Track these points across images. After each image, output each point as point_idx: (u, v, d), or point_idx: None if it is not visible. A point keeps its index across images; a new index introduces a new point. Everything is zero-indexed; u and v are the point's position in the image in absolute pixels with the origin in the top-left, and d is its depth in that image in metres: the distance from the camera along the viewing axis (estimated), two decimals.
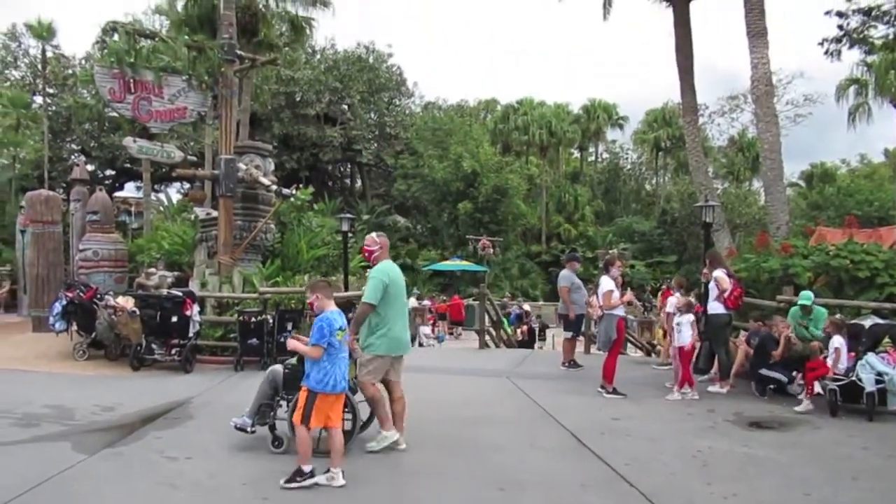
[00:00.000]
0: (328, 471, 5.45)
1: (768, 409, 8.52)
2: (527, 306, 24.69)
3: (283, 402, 6.39)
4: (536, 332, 23.03)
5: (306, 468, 5.39)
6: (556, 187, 50.17)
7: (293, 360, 6.36)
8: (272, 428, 6.38)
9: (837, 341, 8.45)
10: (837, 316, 9.13)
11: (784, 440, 7.12)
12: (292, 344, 5.68)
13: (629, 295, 10.59)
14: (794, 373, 9.16)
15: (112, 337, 11.18)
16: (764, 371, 9.24)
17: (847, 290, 10.58)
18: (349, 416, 6.24)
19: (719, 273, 9.84)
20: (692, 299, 10.01)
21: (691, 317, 9.26)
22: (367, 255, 6.82)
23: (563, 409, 8.41)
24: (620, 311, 9.44)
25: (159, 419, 7.58)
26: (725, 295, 9.70)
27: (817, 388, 8.60)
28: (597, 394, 9.34)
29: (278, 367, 6.54)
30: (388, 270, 6.43)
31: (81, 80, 31.67)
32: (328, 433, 5.60)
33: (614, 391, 9.24)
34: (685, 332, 9.15)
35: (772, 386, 9.23)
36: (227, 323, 11.98)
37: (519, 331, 21.29)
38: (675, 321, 9.43)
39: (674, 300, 10.53)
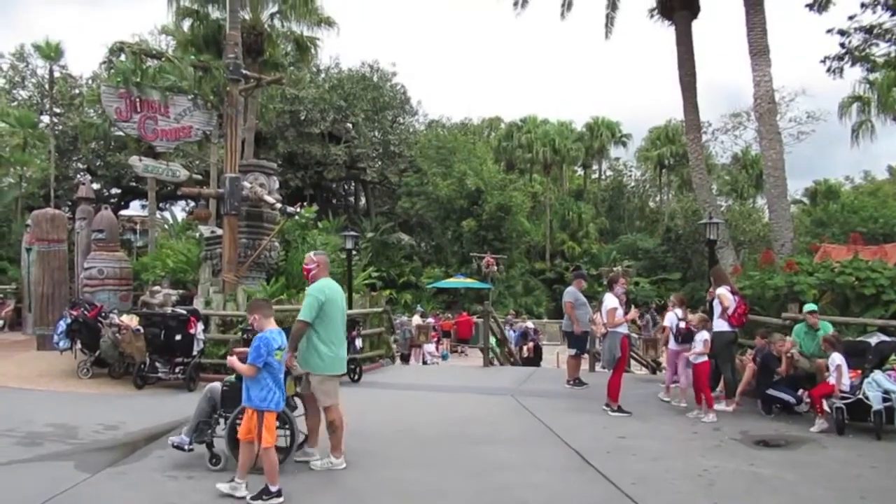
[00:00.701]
0: (236, 482, 5.53)
1: (775, 427, 8.45)
2: (530, 323, 24.57)
3: (221, 420, 6.35)
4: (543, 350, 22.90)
5: (273, 487, 5.43)
6: (560, 205, 50.23)
7: (231, 378, 6.36)
8: (210, 445, 6.32)
9: (837, 358, 8.37)
10: (831, 332, 9.07)
11: (791, 459, 7.05)
12: (231, 360, 5.74)
13: (633, 312, 10.57)
14: (801, 392, 9.09)
15: (116, 355, 11.17)
16: (771, 391, 9.17)
17: (853, 307, 10.51)
18: (286, 432, 6.22)
19: (722, 290, 9.80)
20: (705, 315, 9.92)
21: (706, 334, 9.17)
22: (305, 273, 6.82)
23: (567, 427, 8.36)
24: (624, 329, 9.40)
25: (163, 438, 7.53)
26: (729, 312, 9.65)
27: (825, 406, 8.55)
28: (602, 412, 9.28)
29: (216, 385, 6.50)
30: (324, 288, 6.41)
31: (88, 100, 31.96)
32: (242, 447, 5.63)
33: (619, 409, 9.19)
34: (699, 350, 9.08)
35: (778, 405, 9.17)
36: (230, 341, 11.96)
37: (525, 348, 21.13)
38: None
39: (673, 316, 10.43)
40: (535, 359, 20.75)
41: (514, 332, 22.23)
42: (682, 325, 10.00)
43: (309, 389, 6.49)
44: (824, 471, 6.60)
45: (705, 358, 9.08)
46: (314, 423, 6.66)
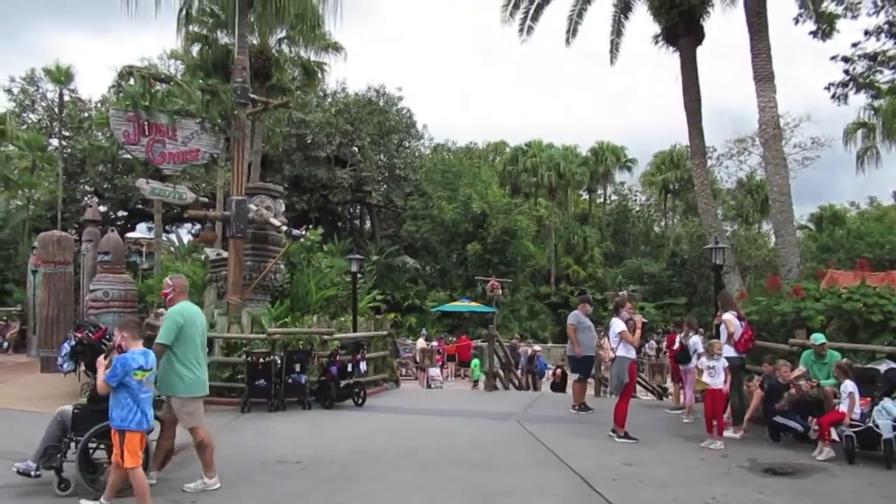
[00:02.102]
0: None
1: (783, 455, 8.35)
2: (537, 347, 24.37)
3: (72, 444, 6.25)
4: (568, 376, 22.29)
5: None
6: (565, 229, 50.25)
7: (83, 400, 6.32)
8: (58, 471, 6.18)
9: (850, 386, 8.27)
10: (843, 360, 8.98)
11: (801, 488, 6.95)
12: (99, 375, 5.81)
13: (638, 318, 10.39)
14: (810, 419, 8.99)
15: None
16: (779, 419, 9.07)
17: (861, 333, 10.43)
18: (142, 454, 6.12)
19: (728, 316, 9.76)
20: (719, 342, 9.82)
21: (725, 361, 9.08)
22: (163, 297, 6.85)
23: (573, 453, 8.28)
24: (632, 355, 9.33)
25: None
26: (735, 338, 9.60)
27: (833, 434, 8.47)
28: (608, 437, 9.19)
29: (67, 408, 6.42)
30: (182, 311, 6.42)
31: (97, 123, 32.24)
32: (111, 469, 5.64)
33: (626, 435, 9.09)
34: (720, 376, 8.99)
35: (786, 432, 9.06)
36: (234, 364, 11.93)
37: (552, 373, 20.49)
38: (707, 363, 9.22)
39: (696, 340, 10.40)
40: (561, 384, 19.99)
41: (521, 355, 21.94)
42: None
43: (170, 413, 6.48)
44: (835, 501, 6.51)
45: (721, 385, 8.95)
46: (164, 447, 6.61)
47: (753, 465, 7.79)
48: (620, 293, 31.22)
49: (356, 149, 39.83)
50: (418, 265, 39.95)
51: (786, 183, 14.50)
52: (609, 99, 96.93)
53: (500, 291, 33.40)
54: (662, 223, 60.04)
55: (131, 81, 13.09)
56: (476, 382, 21.45)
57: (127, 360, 5.53)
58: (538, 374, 21.20)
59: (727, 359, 9.47)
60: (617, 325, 9.37)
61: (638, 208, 60.44)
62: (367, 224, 47.38)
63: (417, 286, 38.85)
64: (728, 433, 9.29)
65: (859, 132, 29.51)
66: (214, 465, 6.47)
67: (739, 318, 9.78)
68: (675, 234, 52.13)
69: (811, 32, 17.25)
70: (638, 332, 9.56)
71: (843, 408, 8.23)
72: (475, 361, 22.38)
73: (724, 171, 46.01)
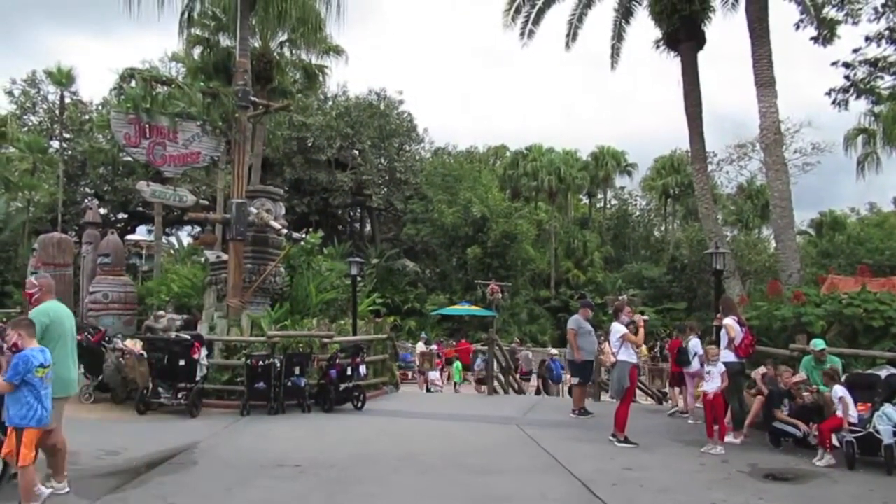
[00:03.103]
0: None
1: (783, 460, 8.33)
2: (554, 351, 24.00)
3: None
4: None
5: None
6: (565, 233, 50.22)
7: None
8: None
9: (840, 391, 8.29)
10: (828, 366, 8.99)
11: (801, 493, 6.94)
12: None
13: (639, 319, 10.38)
14: (810, 425, 8.97)
15: (119, 380, 11.09)
16: (778, 424, 9.06)
17: (861, 339, 10.43)
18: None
19: (729, 321, 9.74)
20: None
21: (722, 366, 9.06)
22: (28, 297, 6.73)
23: (573, 457, 8.26)
24: (633, 359, 9.31)
25: (164, 464, 7.48)
26: (736, 343, 9.58)
27: (833, 440, 8.47)
28: (608, 442, 9.18)
29: None
30: (48, 311, 6.29)
31: (98, 126, 32.29)
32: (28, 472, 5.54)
33: (626, 440, 9.08)
34: (715, 380, 8.99)
35: (786, 438, 9.05)
36: (234, 366, 11.91)
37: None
38: (706, 368, 9.24)
39: (695, 342, 10.41)
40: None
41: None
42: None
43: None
44: None
45: (715, 389, 8.95)
46: (51, 451, 6.26)
47: (754, 470, 7.78)
48: (620, 297, 31.22)
49: (357, 152, 39.88)
50: (418, 269, 39.96)
51: (787, 188, 14.51)
52: (610, 103, 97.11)
53: (500, 295, 33.42)
54: (662, 228, 59.99)
55: (133, 84, 13.07)
56: (457, 385, 21.34)
57: (28, 357, 5.47)
58: (553, 380, 19.96)
59: (726, 364, 9.46)
60: (617, 329, 9.35)
61: (638, 213, 60.37)
62: (367, 227, 47.40)
63: (417, 290, 38.85)
64: (728, 438, 9.27)
65: (860, 138, 29.59)
66: (65, 470, 6.27)
67: (740, 323, 9.76)
68: (675, 239, 52.07)
69: (812, 38, 17.28)
70: (641, 331, 9.56)
71: (840, 413, 8.23)
72: (456, 364, 22.30)
73: (724, 176, 46.13)
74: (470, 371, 22.67)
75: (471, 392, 19.75)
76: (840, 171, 66.05)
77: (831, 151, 38.32)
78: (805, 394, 9.14)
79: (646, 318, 10.93)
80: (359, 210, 47.03)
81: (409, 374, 22.63)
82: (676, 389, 12.56)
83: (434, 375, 21.80)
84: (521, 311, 40.52)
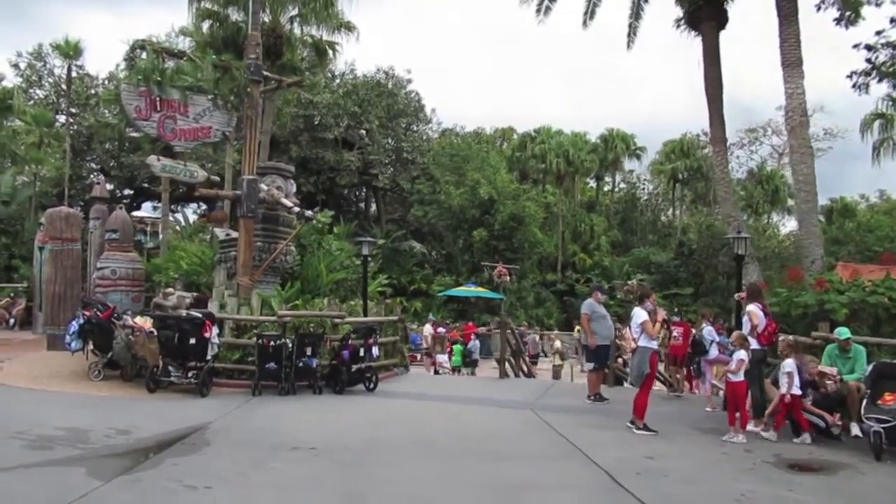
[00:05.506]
0: None
1: (808, 450, 8.15)
2: (564, 336, 23.88)
3: None
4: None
5: None
6: (573, 216, 49.92)
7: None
8: None
9: (789, 365, 8.42)
10: (790, 337, 8.85)
11: (828, 484, 6.78)
12: None
13: (661, 313, 10.17)
14: (833, 414, 8.80)
15: (128, 357, 10.95)
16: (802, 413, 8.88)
17: (885, 327, 10.23)
18: None
19: (752, 307, 9.52)
20: (743, 334, 9.59)
21: (743, 353, 8.85)
22: None
23: (592, 444, 8.09)
24: (654, 345, 9.10)
25: (176, 444, 7.33)
26: (759, 330, 9.38)
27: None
28: (626, 429, 9.00)
29: None
30: None
31: (104, 100, 31.96)
32: None
33: (645, 427, 8.89)
34: (732, 368, 8.80)
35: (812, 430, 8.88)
36: (245, 346, 11.76)
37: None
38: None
39: (709, 329, 10.22)
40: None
41: (529, 343, 20.68)
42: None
43: None
44: (863, 498, 6.37)
45: (741, 377, 8.76)
46: None
47: (778, 460, 7.60)
48: (629, 282, 31.04)
49: (364, 131, 39.48)
50: (424, 250, 39.74)
51: (812, 172, 14.18)
52: (620, 86, 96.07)
53: (508, 278, 33.21)
54: (670, 212, 59.63)
55: (143, 56, 12.79)
56: (456, 369, 20.95)
57: None
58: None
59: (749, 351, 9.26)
60: (639, 314, 9.14)
61: (646, 197, 59.98)
62: (373, 207, 47.11)
63: (423, 271, 38.65)
64: (750, 427, 9.09)
65: (876, 123, 29.19)
66: None
67: (764, 311, 9.54)
68: (683, 224, 51.75)
69: (835, 19, 16.86)
70: (658, 325, 9.34)
71: (783, 389, 8.39)
72: (457, 347, 22.04)
73: (734, 160, 45.72)
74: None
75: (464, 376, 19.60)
76: (849, 158, 65.35)
77: (844, 137, 37.91)
78: (828, 382, 8.97)
79: (665, 314, 10.72)
80: (365, 190, 46.70)
81: (418, 356, 22.47)
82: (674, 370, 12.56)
83: (442, 358, 21.68)
84: (528, 294, 40.30)
